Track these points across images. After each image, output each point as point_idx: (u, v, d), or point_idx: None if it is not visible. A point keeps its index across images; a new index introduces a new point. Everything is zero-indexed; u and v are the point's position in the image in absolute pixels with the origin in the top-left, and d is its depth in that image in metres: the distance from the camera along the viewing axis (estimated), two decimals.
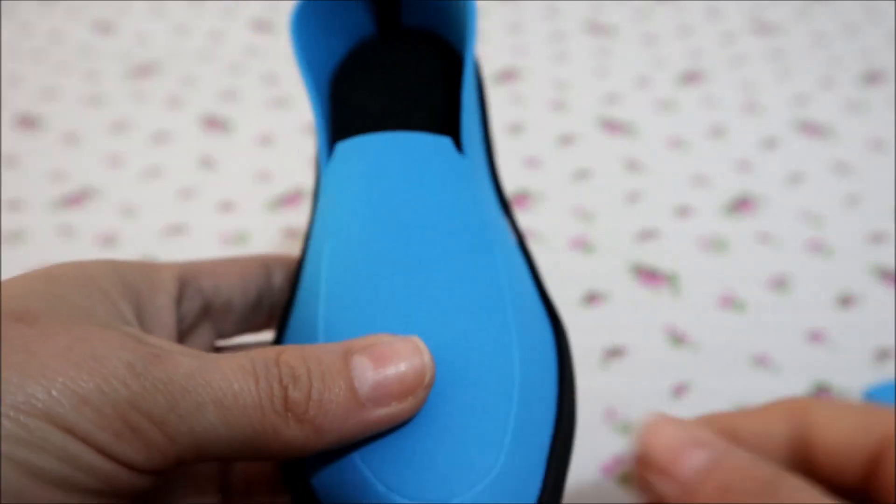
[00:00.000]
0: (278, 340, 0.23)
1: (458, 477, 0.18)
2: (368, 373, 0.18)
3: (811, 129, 0.52)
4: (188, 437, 0.16)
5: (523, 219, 0.45)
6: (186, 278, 0.22)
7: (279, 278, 0.25)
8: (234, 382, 0.17)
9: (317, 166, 0.25)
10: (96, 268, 0.19)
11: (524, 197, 0.46)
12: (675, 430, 0.19)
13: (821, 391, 0.36)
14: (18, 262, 0.42)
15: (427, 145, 0.22)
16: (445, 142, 0.23)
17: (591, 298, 0.40)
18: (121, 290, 0.19)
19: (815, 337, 0.38)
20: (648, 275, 0.41)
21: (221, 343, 0.25)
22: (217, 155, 0.50)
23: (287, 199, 0.46)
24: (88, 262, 0.19)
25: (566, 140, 0.51)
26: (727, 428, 0.20)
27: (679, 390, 0.36)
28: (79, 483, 0.16)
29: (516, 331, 0.21)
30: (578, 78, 0.56)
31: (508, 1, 0.65)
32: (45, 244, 0.43)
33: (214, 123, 0.52)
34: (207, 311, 0.23)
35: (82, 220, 0.45)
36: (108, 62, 0.58)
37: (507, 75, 0.56)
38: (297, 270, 0.24)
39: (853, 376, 0.36)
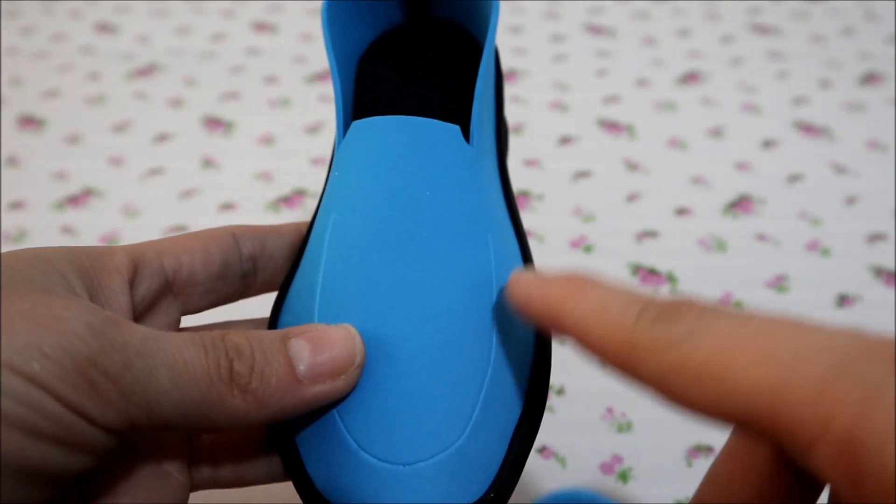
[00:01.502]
0: (279, 302, 0.25)
1: (423, 443, 0.20)
2: (305, 353, 0.20)
3: (810, 129, 0.52)
4: (141, 398, 0.17)
5: (523, 219, 0.45)
6: (142, 259, 0.23)
7: (249, 247, 0.25)
8: (185, 351, 0.18)
9: (334, 144, 0.27)
10: (52, 252, 0.20)
11: (524, 197, 0.46)
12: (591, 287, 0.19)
13: None
14: None
15: (436, 131, 0.23)
16: (454, 130, 0.24)
17: None
18: (75, 272, 0.20)
19: None
20: (648, 275, 0.42)
21: (188, 322, 0.26)
22: (218, 155, 0.50)
23: (288, 200, 0.46)
24: (45, 248, 0.21)
25: (566, 140, 0.51)
26: None
27: None
28: (42, 429, 0.16)
29: (498, 314, 0.22)
30: (578, 78, 0.56)
31: (509, 2, 0.65)
32: (48, 244, 0.43)
33: (216, 124, 0.52)
34: (169, 288, 0.24)
35: (84, 220, 0.45)
36: (110, 63, 0.58)
37: (508, 76, 0.57)
38: (304, 238, 0.25)
39: None
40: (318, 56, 0.59)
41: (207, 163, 0.49)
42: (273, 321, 0.25)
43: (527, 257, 0.26)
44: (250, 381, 0.19)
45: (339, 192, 0.24)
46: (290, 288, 0.25)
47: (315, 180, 0.48)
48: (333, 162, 0.25)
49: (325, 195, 0.25)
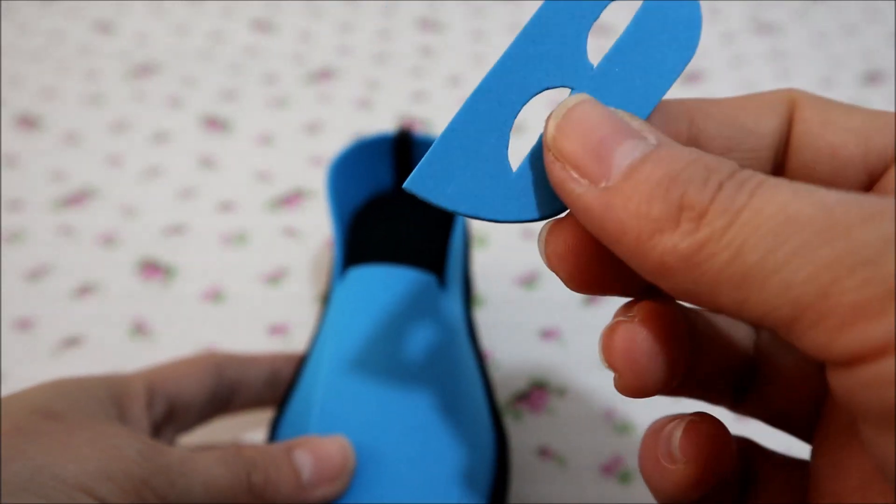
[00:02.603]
0: (278, 418, 0.29)
1: None
2: (307, 462, 0.24)
3: None
4: None
5: None
6: (153, 387, 0.26)
7: (230, 376, 0.29)
8: (213, 468, 0.22)
9: (330, 279, 0.33)
10: (89, 382, 0.24)
11: None
12: (601, 116, 0.16)
13: None
14: (19, 263, 0.42)
15: (417, 279, 0.29)
16: (431, 279, 0.29)
17: (591, 299, 0.40)
18: (109, 399, 0.23)
19: None
20: None
21: (181, 437, 0.29)
22: (217, 155, 0.50)
23: (286, 199, 0.46)
24: (82, 379, 0.24)
25: None
26: (700, 115, 0.18)
27: None
28: None
29: (465, 427, 0.27)
30: None
31: (508, 1, 0.65)
32: (46, 244, 0.43)
33: (214, 123, 0.52)
34: (172, 413, 0.27)
35: (82, 220, 0.45)
36: (108, 62, 0.58)
37: None
38: (301, 361, 0.30)
39: None
40: (318, 55, 0.59)
41: (206, 162, 0.49)
42: (273, 432, 0.28)
43: (484, 374, 0.31)
44: (265, 490, 0.23)
45: (336, 324, 0.28)
46: (288, 405, 0.29)
47: (314, 180, 0.47)
48: (332, 299, 0.30)
49: (324, 326, 0.29)
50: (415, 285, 0.29)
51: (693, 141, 0.18)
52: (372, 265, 0.29)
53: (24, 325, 0.39)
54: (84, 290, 0.41)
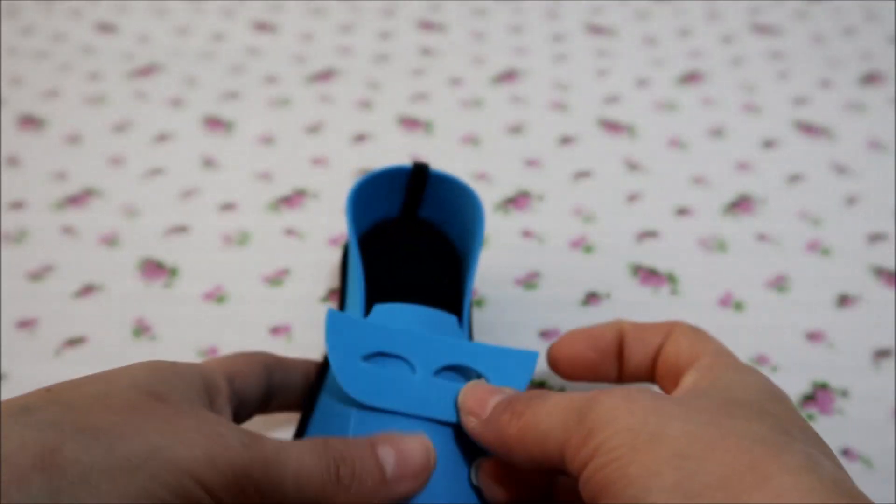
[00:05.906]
0: (304, 421, 0.30)
1: None
2: (391, 458, 0.24)
3: (810, 129, 0.52)
4: (272, 499, 0.22)
5: (523, 219, 0.45)
6: (231, 383, 0.27)
7: (277, 375, 0.30)
8: (304, 459, 0.22)
9: (341, 299, 0.36)
10: (182, 367, 0.24)
11: (524, 197, 0.46)
12: (481, 387, 0.27)
13: (819, 391, 0.36)
14: (21, 263, 0.42)
15: (441, 318, 0.31)
16: (453, 319, 0.31)
17: (591, 298, 0.40)
18: (203, 388, 0.24)
19: (814, 337, 0.39)
20: (648, 275, 0.41)
21: None
22: (218, 155, 0.50)
23: (288, 200, 0.46)
24: (176, 364, 0.24)
25: (566, 140, 0.51)
26: (577, 337, 0.31)
27: None
28: None
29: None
30: (578, 78, 0.56)
31: (509, 1, 0.65)
32: (48, 244, 0.44)
33: (216, 123, 0.52)
34: (238, 412, 0.28)
35: (84, 221, 0.45)
36: (110, 62, 0.58)
37: (508, 75, 0.56)
38: (318, 373, 0.31)
39: (852, 376, 0.37)
40: (319, 56, 0.59)
41: (207, 163, 0.49)
42: (302, 428, 0.30)
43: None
44: (352, 483, 0.23)
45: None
46: (313, 413, 0.30)
47: (315, 180, 0.48)
48: None
49: None
50: (438, 323, 0.30)
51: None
52: (396, 304, 0.31)
53: (26, 325, 0.39)
54: (86, 291, 0.41)
